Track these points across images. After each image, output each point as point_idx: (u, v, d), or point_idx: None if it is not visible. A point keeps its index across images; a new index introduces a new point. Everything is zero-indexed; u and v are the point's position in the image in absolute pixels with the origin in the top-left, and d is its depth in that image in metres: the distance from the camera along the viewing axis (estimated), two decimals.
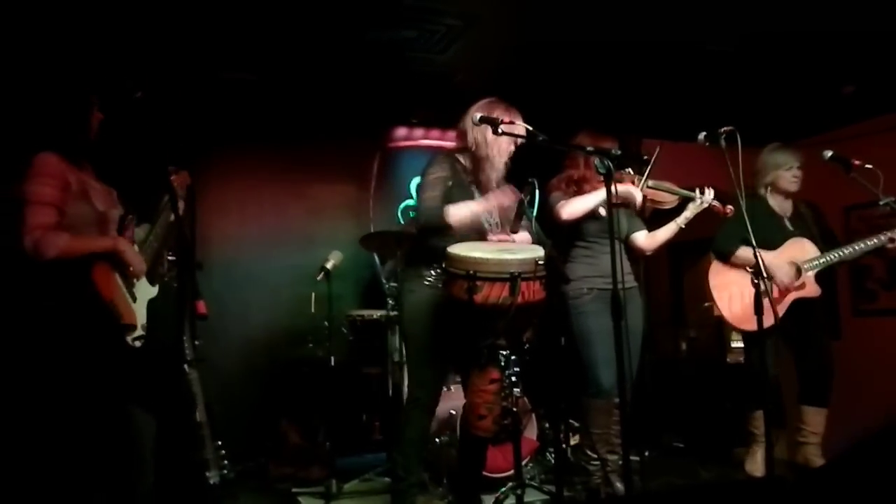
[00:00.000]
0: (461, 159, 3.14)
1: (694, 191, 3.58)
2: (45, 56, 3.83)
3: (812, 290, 3.85)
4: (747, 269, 3.74)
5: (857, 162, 3.43)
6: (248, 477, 4.20)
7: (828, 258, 3.82)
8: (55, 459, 2.54)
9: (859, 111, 5.33)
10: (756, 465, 3.89)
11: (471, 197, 3.04)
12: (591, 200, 3.44)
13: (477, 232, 3.04)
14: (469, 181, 3.11)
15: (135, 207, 2.90)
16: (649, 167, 3.48)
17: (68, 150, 2.64)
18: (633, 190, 3.49)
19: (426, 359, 3.06)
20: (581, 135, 3.47)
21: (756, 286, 2.95)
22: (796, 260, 3.84)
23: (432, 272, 3.04)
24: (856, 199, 4.31)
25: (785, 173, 3.94)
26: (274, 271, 5.08)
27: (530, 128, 2.89)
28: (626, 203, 3.56)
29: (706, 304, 4.46)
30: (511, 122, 2.85)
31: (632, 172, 3.52)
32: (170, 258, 2.84)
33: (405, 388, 4.02)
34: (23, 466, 2.68)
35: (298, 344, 4.78)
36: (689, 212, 3.55)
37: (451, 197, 3.00)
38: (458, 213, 2.94)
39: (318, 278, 4.21)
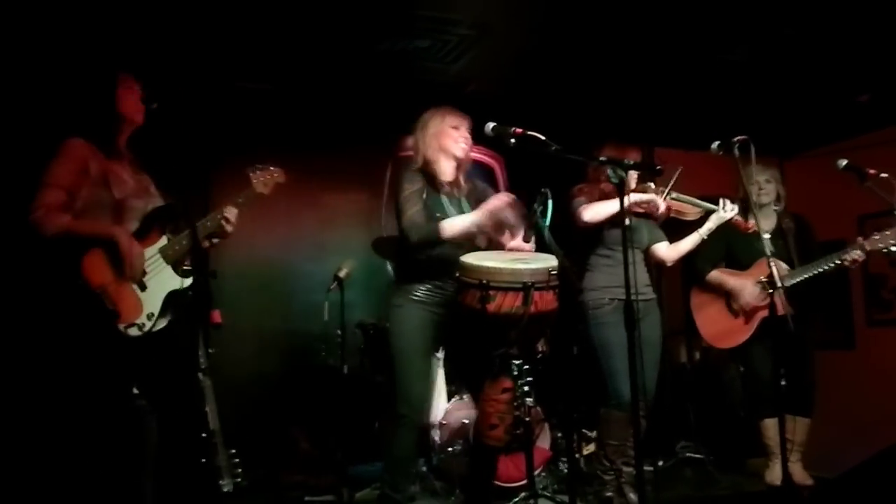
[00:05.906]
0: (426, 170, 3.13)
1: (717, 203, 3.59)
2: (75, 43, 3.82)
3: (781, 309, 3.63)
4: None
5: (871, 171, 3.41)
6: (260, 485, 4.20)
7: (795, 277, 3.77)
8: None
9: (874, 120, 5.29)
10: (775, 475, 3.85)
11: (442, 206, 3.05)
12: (614, 205, 3.41)
13: (470, 242, 3.03)
14: (437, 189, 3.10)
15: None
16: (673, 179, 3.50)
17: (96, 136, 2.72)
18: (656, 199, 3.49)
19: (412, 375, 3.03)
20: (606, 146, 3.46)
21: (770, 295, 2.97)
22: (762, 279, 3.81)
23: (422, 287, 3.02)
24: (870, 209, 4.29)
25: (751, 187, 3.75)
26: (287, 280, 5.10)
27: (543, 137, 2.88)
28: (650, 212, 3.55)
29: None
30: (524, 132, 2.81)
31: (654, 186, 3.53)
32: (185, 267, 2.84)
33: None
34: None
35: (311, 352, 4.80)
36: (712, 223, 3.57)
37: (427, 208, 3.01)
38: (454, 227, 2.94)
39: (331, 287, 4.22)
